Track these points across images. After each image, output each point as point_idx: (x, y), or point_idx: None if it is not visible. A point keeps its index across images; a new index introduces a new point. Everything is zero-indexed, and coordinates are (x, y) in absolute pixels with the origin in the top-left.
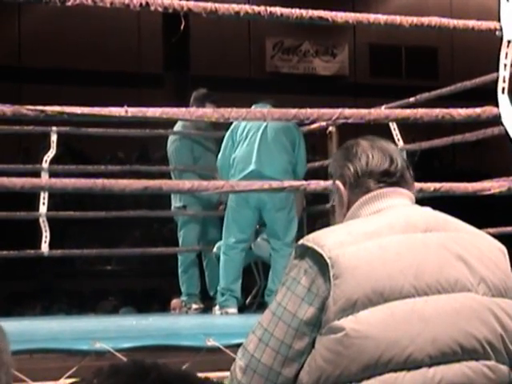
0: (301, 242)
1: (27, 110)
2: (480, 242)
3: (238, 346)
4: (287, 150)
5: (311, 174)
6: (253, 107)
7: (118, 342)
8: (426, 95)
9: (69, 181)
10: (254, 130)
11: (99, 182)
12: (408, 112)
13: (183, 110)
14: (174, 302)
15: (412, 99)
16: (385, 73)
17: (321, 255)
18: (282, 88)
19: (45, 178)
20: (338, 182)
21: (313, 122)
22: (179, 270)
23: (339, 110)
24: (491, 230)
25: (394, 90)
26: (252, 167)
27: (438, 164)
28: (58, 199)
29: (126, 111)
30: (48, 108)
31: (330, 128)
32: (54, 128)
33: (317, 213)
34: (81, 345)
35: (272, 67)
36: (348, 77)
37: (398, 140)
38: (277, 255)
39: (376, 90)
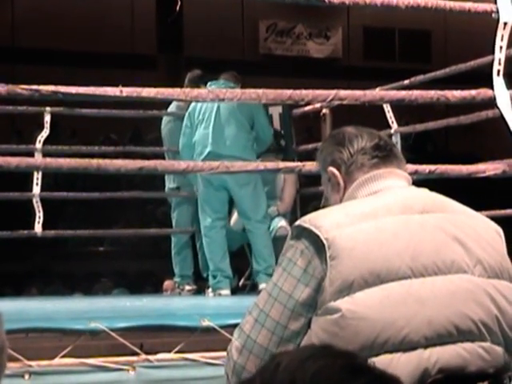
0: (297, 222)
1: (22, 89)
2: (476, 224)
3: (233, 326)
4: (244, 126)
5: (305, 157)
6: (209, 84)
7: (112, 321)
8: (420, 77)
9: (64, 160)
10: (208, 112)
11: (94, 162)
12: (403, 94)
13: (178, 90)
14: (167, 283)
15: (406, 82)
16: (378, 56)
17: (317, 236)
18: (275, 70)
19: (40, 158)
20: (331, 168)
21: (307, 103)
22: (172, 252)
23: (334, 92)
24: (486, 213)
25: (387, 72)
26: (209, 149)
27: (431, 148)
28: (51, 181)
29: (121, 91)
30: (42, 87)
31: (324, 110)
32: (48, 108)
33: (310, 195)
34: (76, 324)
35: (265, 49)
36: (341, 59)
37: (392, 123)
38: (252, 235)
39: (369, 72)
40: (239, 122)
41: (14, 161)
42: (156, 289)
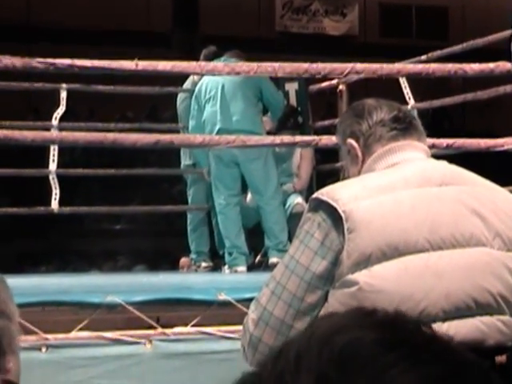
0: (315, 195)
1: (37, 62)
2: (495, 196)
3: (249, 300)
4: (251, 100)
5: (322, 133)
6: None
7: (129, 295)
8: (437, 53)
9: (79, 134)
10: (214, 90)
11: (110, 136)
12: (420, 67)
13: (194, 63)
14: (183, 260)
15: (423, 57)
16: (395, 33)
17: (335, 209)
18: (291, 48)
19: (55, 132)
20: (350, 140)
21: (324, 77)
22: (188, 229)
23: (351, 65)
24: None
25: (404, 50)
26: (218, 126)
27: (448, 125)
28: (67, 158)
29: (137, 65)
30: (58, 61)
31: (341, 86)
32: (64, 85)
33: (326, 172)
34: (92, 298)
35: (281, 27)
36: (358, 37)
37: (409, 98)
38: (264, 212)
39: (386, 50)
40: (246, 97)
41: (29, 135)
42: (172, 266)
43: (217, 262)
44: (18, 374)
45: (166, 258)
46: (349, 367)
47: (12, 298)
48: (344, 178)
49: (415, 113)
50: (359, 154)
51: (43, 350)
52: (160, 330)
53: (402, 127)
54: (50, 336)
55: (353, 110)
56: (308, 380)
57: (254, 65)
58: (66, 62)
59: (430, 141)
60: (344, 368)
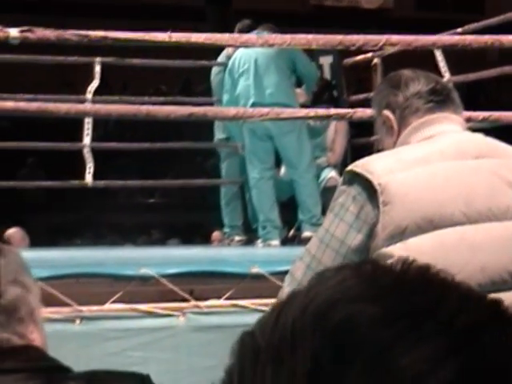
0: (349, 167)
1: (71, 34)
2: None
3: (283, 273)
4: (284, 72)
5: (356, 107)
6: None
7: (163, 267)
8: (473, 26)
9: (113, 107)
10: (247, 64)
11: (143, 109)
12: (456, 38)
13: (227, 35)
14: (215, 234)
15: (459, 30)
16: (430, 6)
17: (370, 182)
18: (325, 22)
19: (89, 105)
20: (386, 111)
21: (358, 50)
22: (222, 203)
23: (385, 37)
24: None
25: (440, 23)
26: (252, 100)
27: (483, 100)
28: (101, 132)
29: (170, 36)
30: (91, 33)
31: (375, 60)
32: (98, 59)
33: (361, 146)
34: (126, 270)
35: (315, 0)
36: (392, 10)
37: (445, 72)
38: (298, 185)
39: (421, 24)
40: (279, 69)
41: (63, 107)
42: (205, 240)
43: (250, 236)
44: (43, 345)
45: (200, 232)
46: (343, 350)
47: (29, 270)
48: (378, 151)
49: (451, 86)
50: (395, 125)
51: (77, 321)
52: (193, 302)
53: (439, 99)
54: (84, 308)
55: (389, 81)
56: (304, 361)
57: (288, 37)
58: (100, 33)
59: (466, 114)
60: (338, 351)
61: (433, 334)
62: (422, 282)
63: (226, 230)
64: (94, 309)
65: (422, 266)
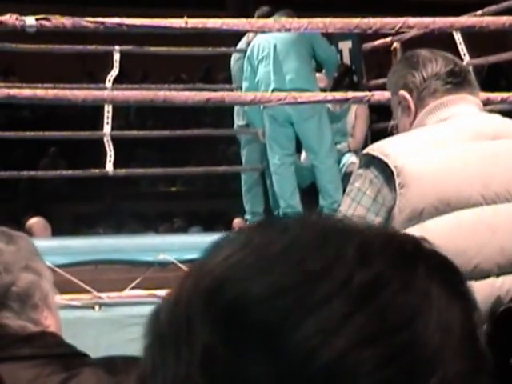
0: (365, 150)
1: (87, 22)
2: None
3: None
4: (304, 58)
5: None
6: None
7: (181, 254)
8: (493, 8)
9: (130, 93)
10: (267, 50)
11: (161, 95)
12: (474, 20)
13: (244, 20)
14: (236, 221)
15: (479, 12)
16: None
17: (386, 164)
18: (341, 6)
19: (106, 92)
20: (403, 92)
21: (376, 33)
22: (243, 189)
23: (403, 19)
24: None
25: (459, 6)
26: (272, 86)
27: (504, 83)
28: (122, 122)
29: (186, 23)
30: (107, 20)
31: (395, 44)
32: (117, 47)
33: (381, 131)
34: (145, 256)
35: None
36: None
37: (464, 55)
38: (319, 171)
39: (439, 6)
40: (299, 55)
41: (81, 94)
42: (227, 227)
43: None
44: (58, 330)
45: (221, 220)
46: (234, 336)
47: (40, 255)
48: (391, 134)
49: (470, 69)
50: (412, 106)
51: (96, 308)
52: None
53: (457, 81)
54: (103, 294)
55: (407, 61)
56: (196, 351)
57: (305, 21)
58: (115, 20)
59: (485, 95)
60: (229, 338)
61: (324, 301)
62: (317, 242)
63: (248, 216)
64: (113, 295)
65: (321, 219)
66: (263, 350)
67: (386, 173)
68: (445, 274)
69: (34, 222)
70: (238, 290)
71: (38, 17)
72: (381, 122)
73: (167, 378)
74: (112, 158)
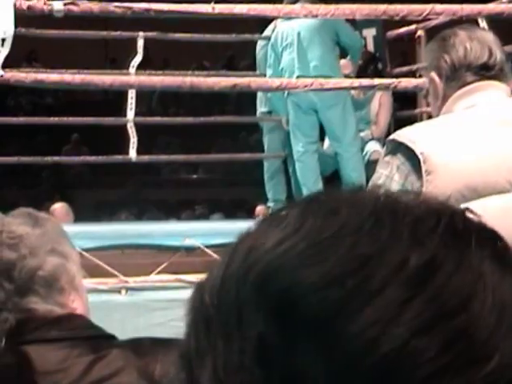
0: (392, 136)
1: (114, 7)
2: None
3: None
4: (328, 45)
5: None
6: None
7: (208, 238)
8: None
9: (157, 79)
10: (291, 37)
11: (187, 80)
12: (502, 7)
13: (270, 6)
14: (259, 208)
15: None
16: None
17: (413, 151)
18: None
19: (133, 77)
20: (433, 74)
21: (403, 20)
22: (265, 177)
23: (430, 6)
24: None
25: None
26: (297, 73)
27: None
28: (145, 108)
29: (213, 8)
30: (135, 5)
31: (419, 32)
32: (141, 33)
33: (404, 119)
34: (171, 241)
35: None
36: None
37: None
38: (342, 159)
39: None
40: (323, 41)
41: (107, 80)
42: (249, 215)
43: None
44: (85, 312)
45: (243, 207)
46: (289, 326)
47: (69, 239)
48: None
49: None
50: (440, 90)
51: (123, 292)
52: None
53: (490, 75)
54: (129, 279)
55: (442, 42)
56: (250, 340)
57: (332, 7)
58: (143, 6)
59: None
60: (283, 328)
61: (382, 287)
62: (369, 222)
63: (270, 204)
64: (139, 280)
65: (370, 195)
66: (318, 341)
67: (413, 160)
68: (494, 247)
69: (57, 207)
70: (291, 279)
71: (65, 1)
72: (404, 110)
73: (217, 364)
74: (135, 145)
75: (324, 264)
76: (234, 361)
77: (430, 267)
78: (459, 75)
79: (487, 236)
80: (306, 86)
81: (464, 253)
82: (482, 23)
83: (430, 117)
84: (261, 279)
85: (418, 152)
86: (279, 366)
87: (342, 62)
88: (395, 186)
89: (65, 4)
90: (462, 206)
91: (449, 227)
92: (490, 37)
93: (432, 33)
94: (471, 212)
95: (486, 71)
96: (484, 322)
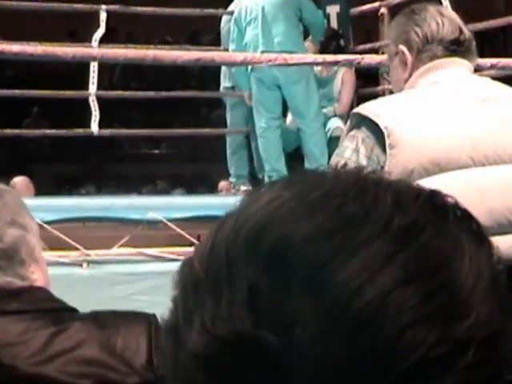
0: (356, 110)
1: None
2: None
3: None
4: (292, 20)
5: None
6: None
7: (170, 212)
8: None
9: (120, 51)
10: (255, 12)
11: (150, 53)
12: None
13: None
14: (222, 183)
15: None
16: None
17: (377, 125)
18: None
19: (96, 49)
20: (403, 47)
21: None
22: (227, 152)
23: None
24: None
25: None
26: (260, 49)
27: (489, 51)
28: (106, 83)
29: None
30: None
31: (382, 9)
32: (104, 6)
33: (367, 96)
34: (133, 214)
35: None
36: None
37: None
38: (305, 135)
39: None
40: (287, 17)
41: (70, 51)
42: (211, 190)
43: (256, 185)
44: (45, 284)
45: (205, 182)
46: (279, 274)
47: (28, 211)
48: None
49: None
50: (409, 63)
51: (84, 265)
52: None
53: (459, 50)
54: (91, 252)
55: (414, 16)
56: (241, 291)
57: None
58: None
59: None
60: (274, 276)
61: (367, 241)
62: (354, 189)
63: (232, 179)
64: (101, 253)
65: (353, 171)
66: (308, 288)
67: (377, 133)
68: (470, 223)
69: (18, 180)
70: (282, 231)
71: None
72: (366, 88)
73: (205, 320)
74: (97, 118)
75: (313, 219)
76: (223, 313)
77: (412, 229)
78: (430, 48)
79: (464, 214)
80: (270, 61)
81: (443, 223)
82: (445, 1)
83: (391, 94)
84: (251, 234)
85: (382, 126)
86: (269, 312)
87: (306, 43)
88: (362, 158)
89: None
90: (425, 180)
91: (428, 201)
92: (456, 15)
93: (395, 10)
94: (447, 195)
95: (456, 46)
96: (462, 283)
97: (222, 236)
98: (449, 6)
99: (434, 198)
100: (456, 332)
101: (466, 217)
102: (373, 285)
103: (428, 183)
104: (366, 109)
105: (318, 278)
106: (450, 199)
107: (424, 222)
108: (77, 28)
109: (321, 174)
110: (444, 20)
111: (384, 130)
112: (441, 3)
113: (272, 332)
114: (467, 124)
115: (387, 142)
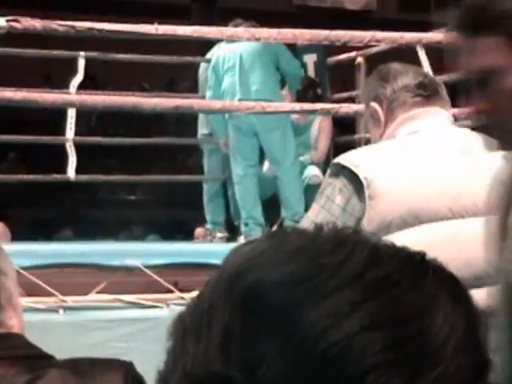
0: (336, 160)
1: (58, 25)
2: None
3: None
4: (269, 69)
5: None
6: None
7: (148, 258)
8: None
9: (99, 98)
10: (232, 60)
11: (129, 100)
12: (441, 36)
13: (214, 28)
14: (198, 230)
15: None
16: (413, 8)
17: (356, 175)
18: (308, 22)
19: (75, 95)
20: (373, 104)
21: (344, 45)
22: (204, 199)
23: (371, 33)
24: None
25: (422, 25)
26: (238, 97)
27: (466, 100)
28: (83, 128)
29: (157, 29)
30: (78, 24)
31: (359, 59)
32: (82, 53)
33: (344, 144)
34: (111, 260)
35: (299, 0)
36: (375, 11)
37: (428, 71)
38: (281, 182)
39: (404, 25)
40: (264, 66)
41: (49, 97)
42: (186, 237)
43: (232, 232)
44: (21, 330)
45: (181, 229)
46: (252, 316)
47: (7, 256)
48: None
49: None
50: (382, 118)
51: (60, 312)
52: (178, 294)
53: (427, 94)
54: (67, 298)
55: (378, 74)
56: (217, 334)
57: (274, 31)
58: (86, 25)
59: (451, 111)
60: (246, 319)
61: (338, 289)
62: (333, 243)
63: (209, 226)
64: (77, 299)
65: (336, 228)
66: (277, 328)
67: (356, 183)
68: (451, 285)
69: None
70: (256, 277)
71: (8, 18)
72: (343, 136)
73: (187, 363)
74: (74, 164)
75: (288, 266)
76: (201, 355)
77: (385, 281)
78: (398, 96)
79: (445, 274)
80: (248, 109)
81: (420, 279)
82: (421, 52)
83: (368, 142)
84: (229, 280)
85: (361, 177)
86: (239, 352)
87: (283, 92)
88: (335, 208)
89: (7, 21)
90: (404, 231)
91: (406, 258)
92: (422, 69)
93: (372, 60)
94: (430, 257)
95: (423, 90)
96: (435, 335)
97: (208, 286)
98: (424, 55)
99: (414, 257)
100: (422, 381)
101: (446, 278)
102: (339, 328)
103: (407, 235)
104: (346, 158)
105: (287, 320)
106: (434, 260)
107: (399, 276)
108: (51, 73)
109: (303, 230)
110: (407, 69)
111: (364, 181)
112: (417, 55)
113: (240, 371)
114: (447, 175)
115: (366, 193)
